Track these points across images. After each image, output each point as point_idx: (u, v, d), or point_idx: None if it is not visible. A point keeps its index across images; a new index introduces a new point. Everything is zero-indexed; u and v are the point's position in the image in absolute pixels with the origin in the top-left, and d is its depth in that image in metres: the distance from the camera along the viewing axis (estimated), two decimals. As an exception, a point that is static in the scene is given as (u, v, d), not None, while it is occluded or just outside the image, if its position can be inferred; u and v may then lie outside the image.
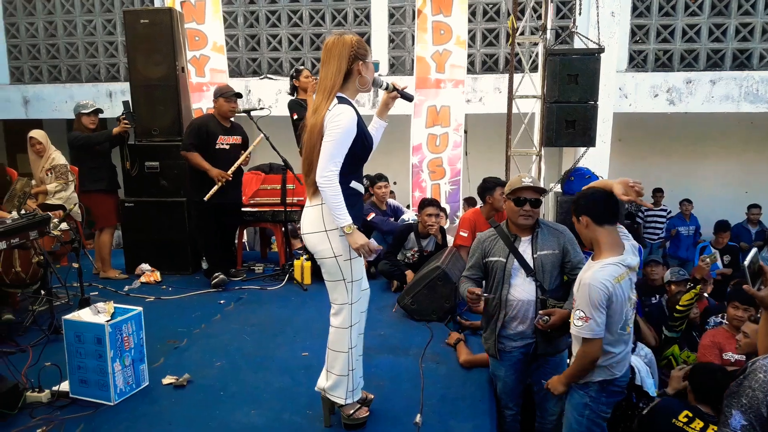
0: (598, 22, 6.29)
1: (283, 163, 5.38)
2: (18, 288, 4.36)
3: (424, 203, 5.37)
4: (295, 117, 5.47)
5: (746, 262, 2.47)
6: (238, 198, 5.51)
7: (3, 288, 4.21)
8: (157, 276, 5.51)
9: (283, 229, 5.81)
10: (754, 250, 2.61)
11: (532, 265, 3.21)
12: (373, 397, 3.23)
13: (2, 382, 3.15)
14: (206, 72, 7.24)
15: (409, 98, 3.10)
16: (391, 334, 4.26)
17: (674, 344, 4.32)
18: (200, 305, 4.88)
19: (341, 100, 2.72)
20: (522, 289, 3.22)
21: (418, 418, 3.08)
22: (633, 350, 4.10)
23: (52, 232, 3.98)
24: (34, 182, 5.85)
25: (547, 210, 6.93)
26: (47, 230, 3.64)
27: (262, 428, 3.02)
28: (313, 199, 2.82)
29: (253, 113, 5.30)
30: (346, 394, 2.95)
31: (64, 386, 3.28)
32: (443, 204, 7.02)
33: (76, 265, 4.59)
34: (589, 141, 5.71)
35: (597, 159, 8.26)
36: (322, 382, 3.00)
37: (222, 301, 4.97)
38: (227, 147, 5.24)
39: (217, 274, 5.27)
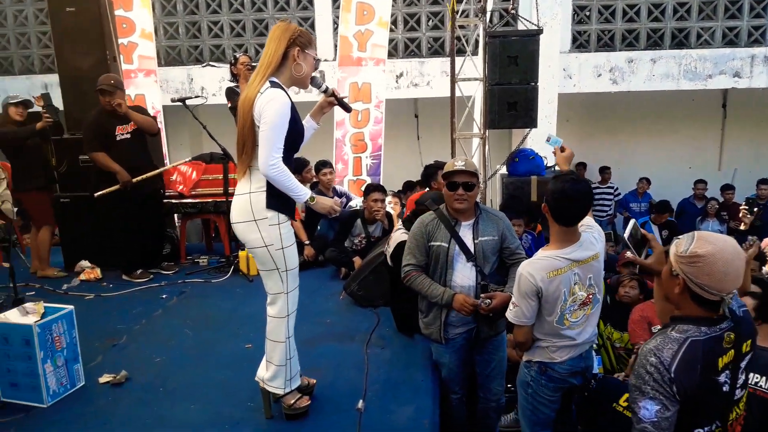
0: (537, 3, 6.32)
1: (223, 153, 5.27)
2: (-56, 291, 4.17)
3: (370, 188, 5.33)
4: (230, 105, 5.37)
5: (626, 235, 2.52)
6: (157, 187, 5.38)
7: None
8: (97, 273, 5.34)
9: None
10: (632, 221, 2.67)
11: (472, 250, 3.21)
12: (315, 382, 3.24)
13: (-76, 390, 3.02)
14: (134, 59, 7.10)
15: (347, 108, 3.15)
16: (337, 322, 4.24)
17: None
18: (141, 301, 4.76)
19: (273, 85, 2.69)
20: (463, 275, 3.22)
21: (360, 403, 3.07)
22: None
23: (-27, 232, 3.81)
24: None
25: (494, 192, 7.00)
26: (-35, 230, 3.48)
27: (201, 423, 2.97)
28: (241, 187, 2.79)
29: (188, 102, 5.16)
30: (284, 383, 2.92)
31: (-6, 391, 3.17)
32: (364, 176, 7.26)
33: (7, 265, 4.44)
34: (531, 122, 5.78)
35: (544, 140, 8.37)
36: (262, 372, 2.97)
37: (164, 296, 4.86)
38: (129, 135, 5.05)
39: (139, 271, 5.24)
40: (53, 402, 3.12)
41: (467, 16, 7.98)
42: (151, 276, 5.26)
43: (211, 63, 8.89)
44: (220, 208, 5.55)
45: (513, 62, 5.54)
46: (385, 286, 4.51)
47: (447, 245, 3.21)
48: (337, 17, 8.76)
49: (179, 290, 5.01)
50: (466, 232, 3.24)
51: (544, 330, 2.81)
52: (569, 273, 2.71)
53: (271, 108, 2.61)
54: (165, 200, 5.49)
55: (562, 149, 3.25)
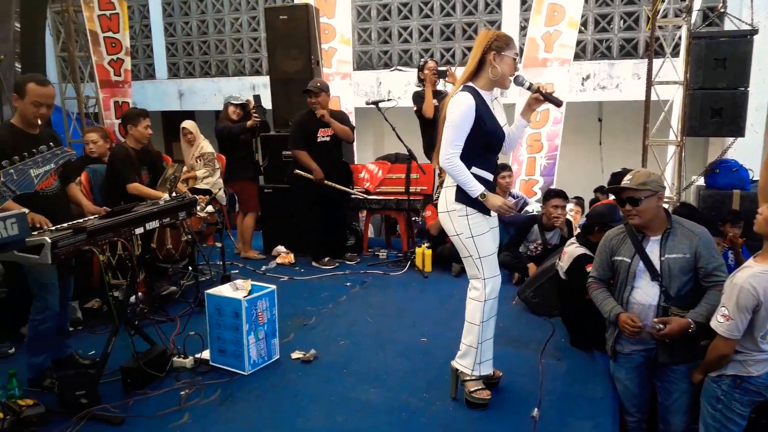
0: (752, 0, 5.74)
1: (407, 153, 5.50)
2: (169, 264, 4.85)
3: (550, 194, 5.21)
4: (415, 109, 5.58)
5: None
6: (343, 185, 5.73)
7: (156, 264, 4.71)
8: (291, 258, 5.87)
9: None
10: None
11: (658, 267, 3.00)
12: (501, 374, 3.33)
13: (154, 347, 3.55)
14: (333, 63, 7.54)
15: (557, 103, 3.11)
16: (510, 326, 4.21)
17: None
18: (329, 286, 5.16)
19: (465, 89, 2.89)
20: (644, 293, 3.03)
21: (535, 412, 3.05)
22: None
23: (199, 214, 4.39)
24: (185, 168, 6.44)
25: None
26: (194, 212, 4.02)
27: (381, 406, 3.15)
28: (446, 181, 3.04)
29: (381, 105, 5.46)
30: (473, 365, 3.06)
31: (205, 354, 3.62)
32: (537, 176, 7.06)
33: (219, 245, 5.05)
34: (737, 131, 5.30)
35: (748, 150, 7.54)
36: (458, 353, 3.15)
37: (348, 284, 5.21)
38: (328, 139, 5.46)
39: (327, 258, 5.68)
40: (253, 371, 3.49)
41: (666, 16, 7.47)
42: (337, 264, 5.69)
43: (399, 67, 9.27)
44: (401, 205, 5.81)
45: (720, 65, 5.11)
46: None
47: (629, 260, 3.06)
48: (524, 19, 8.69)
49: (361, 279, 5.34)
50: (653, 248, 3.03)
51: (744, 343, 2.68)
52: None
53: (453, 109, 2.85)
54: (353, 196, 5.87)
55: None
